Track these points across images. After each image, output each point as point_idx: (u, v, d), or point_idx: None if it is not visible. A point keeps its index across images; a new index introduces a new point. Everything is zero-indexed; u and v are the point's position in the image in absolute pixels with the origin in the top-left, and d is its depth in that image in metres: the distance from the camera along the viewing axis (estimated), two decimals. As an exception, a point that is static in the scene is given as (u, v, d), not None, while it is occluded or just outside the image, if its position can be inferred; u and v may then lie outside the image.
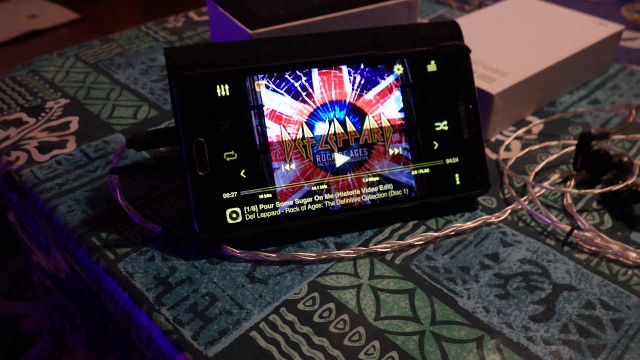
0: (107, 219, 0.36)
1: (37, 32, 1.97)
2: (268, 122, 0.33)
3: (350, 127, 0.34)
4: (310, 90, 0.34)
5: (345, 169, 0.34)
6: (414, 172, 0.35)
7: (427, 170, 0.35)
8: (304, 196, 0.34)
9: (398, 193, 0.35)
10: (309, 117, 0.34)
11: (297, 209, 0.33)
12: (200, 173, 0.32)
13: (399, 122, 0.35)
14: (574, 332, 0.29)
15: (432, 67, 0.36)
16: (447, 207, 0.37)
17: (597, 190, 0.36)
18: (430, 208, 0.37)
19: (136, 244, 0.34)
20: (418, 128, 0.35)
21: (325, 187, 0.34)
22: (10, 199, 0.41)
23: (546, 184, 0.39)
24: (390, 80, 0.35)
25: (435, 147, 0.36)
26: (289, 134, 0.34)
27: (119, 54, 0.55)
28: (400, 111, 0.35)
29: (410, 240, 0.34)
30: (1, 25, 1.98)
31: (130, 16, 2.16)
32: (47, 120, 0.45)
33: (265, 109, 0.33)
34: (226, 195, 0.33)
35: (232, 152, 0.33)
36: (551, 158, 0.41)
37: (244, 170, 0.33)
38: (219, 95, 0.33)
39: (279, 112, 0.33)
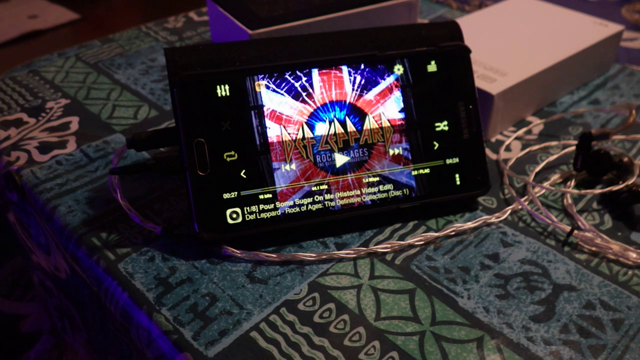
0: (107, 219, 0.36)
1: (37, 32, 1.97)
2: (268, 122, 0.33)
3: (350, 127, 0.34)
4: (310, 90, 0.34)
5: (345, 169, 0.34)
6: (414, 172, 0.35)
7: (427, 170, 0.35)
8: (304, 196, 0.34)
9: (398, 193, 0.35)
10: (309, 117, 0.34)
11: (297, 209, 0.33)
12: (200, 173, 0.32)
13: (399, 122, 0.35)
14: (574, 332, 0.29)
15: (432, 67, 0.36)
16: (447, 207, 0.37)
17: (597, 190, 0.36)
18: (430, 208, 0.37)
19: (136, 244, 0.34)
20: (418, 128, 0.35)
21: (325, 187, 0.34)
22: (10, 199, 0.41)
23: (546, 184, 0.39)
24: (390, 80, 0.35)
25: (435, 147, 0.36)
26: (289, 134, 0.34)
27: (119, 54, 0.55)
28: (400, 111, 0.35)
29: (410, 240, 0.34)
30: (1, 25, 1.98)
31: (130, 16, 2.16)
32: (47, 120, 0.45)
33: (265, 109, 0.33)
34: (226, 195, 0.33)
35: (232, 152, 0.33)
36: (551, 158, 0.41)
37: (244, 170, 0.33)
38: (219, 95, 0.33)
39: (279, 112, 0.33)
